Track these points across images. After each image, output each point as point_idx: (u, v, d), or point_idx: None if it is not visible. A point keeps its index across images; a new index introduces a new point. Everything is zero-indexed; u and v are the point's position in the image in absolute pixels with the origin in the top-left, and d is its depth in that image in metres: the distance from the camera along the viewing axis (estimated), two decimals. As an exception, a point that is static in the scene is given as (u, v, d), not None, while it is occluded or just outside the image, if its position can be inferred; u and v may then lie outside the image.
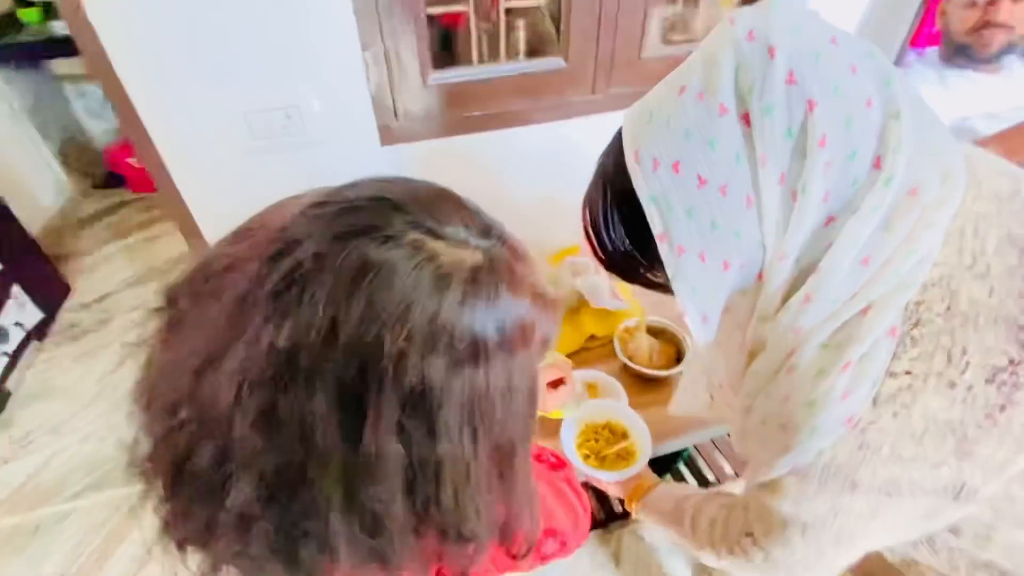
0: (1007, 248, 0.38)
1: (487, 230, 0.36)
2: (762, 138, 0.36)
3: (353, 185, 0.35)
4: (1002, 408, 0.37)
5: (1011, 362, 0.36)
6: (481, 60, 1.08)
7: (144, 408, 0.37)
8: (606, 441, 0.87)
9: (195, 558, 0.38)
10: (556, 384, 0.81)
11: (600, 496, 1.44)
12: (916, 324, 0.38)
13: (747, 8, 0.38)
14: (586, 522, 0.66)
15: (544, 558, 0.61)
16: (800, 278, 0.40)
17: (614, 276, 0.53)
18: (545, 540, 0.60)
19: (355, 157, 1.06)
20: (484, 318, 0.33)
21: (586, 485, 0.80)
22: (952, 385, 0.37)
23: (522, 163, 1.20)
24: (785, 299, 0.41)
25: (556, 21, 1.09)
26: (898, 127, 0.36)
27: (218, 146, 0.97)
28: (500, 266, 0.35)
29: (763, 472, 0.47)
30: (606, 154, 0.47)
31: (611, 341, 1.09)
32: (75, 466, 1.60)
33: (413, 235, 0.32)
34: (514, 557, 0.46)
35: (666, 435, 0.93)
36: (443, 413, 0.32)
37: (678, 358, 1.07)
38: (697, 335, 0.46)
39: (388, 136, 1.06)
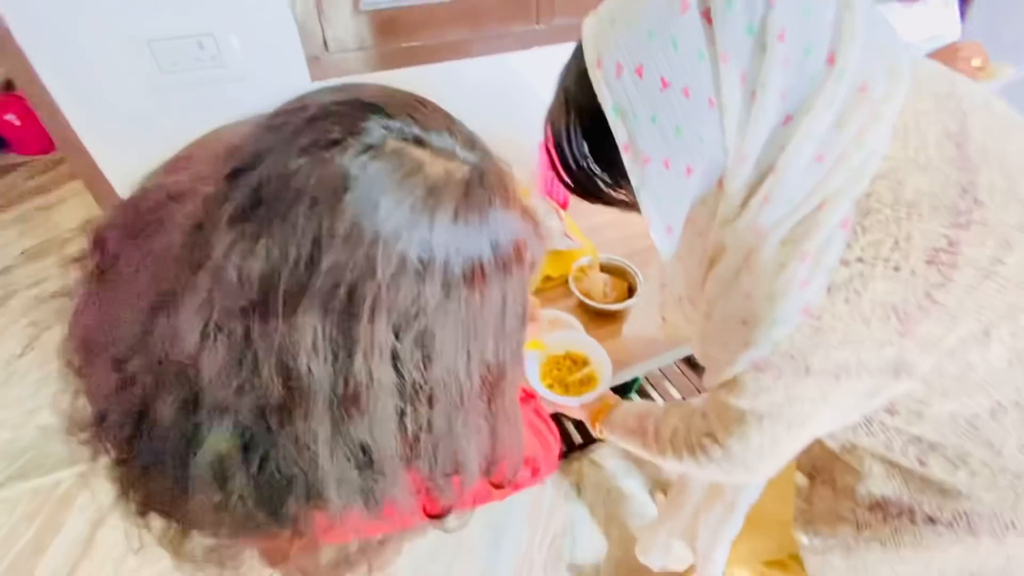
0: (945, 142, 0.41)
1: (472, 141, 0.34)
2: (723, 34, 0.36)
3: (318, 91, 0.31)
4: (940, 286, 0.39)
5: (949, 243, 0.39)
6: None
7: (80, 368, 0.33)
8: (568, 369, 0.89)
9: (156, 527, 0.35)
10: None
11: (560, 429, 1.50)
12: (866, 214, 0.40)
13: None
14: (556, 450, 0.68)
15: (517, 486, 0.62)
16: (759, 180, 0.41)
17: (579, 195, 0.52)
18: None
19: (283, 94, 0.96)
20: (479, 237, 0.31)
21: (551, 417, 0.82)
22: (897, 269, 0.40)
23: (465, 98, 1.12)
24: (745, 203, 0.42)
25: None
26: (851, 17, 0.36)
27: (121, 81, 0.85)
28: (491, 181, 0.33)
29: (725, 372, 0.49)
30: (567, 67, 0.46)
31: (566, 281, 1.10)
32: (-9, 458, 1.46)
33: (394, 143, 0.29)
34: (497, 487, 0.46)
35: (618, 365, 0.96)
36: (439, 337, 0.30)
37: (630, 292, 1.09)
38: (661, 247, 0.47)
39: (318, 70, 0.97)
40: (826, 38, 0.37)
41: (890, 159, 0.40)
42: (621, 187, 0.47)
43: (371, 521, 0.35)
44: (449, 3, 1.01)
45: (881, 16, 0.40)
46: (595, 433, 0.81)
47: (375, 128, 0.29)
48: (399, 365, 0.29)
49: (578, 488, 1.43)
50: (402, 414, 0.31)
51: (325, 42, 0.95)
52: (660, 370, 1.51)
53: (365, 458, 0.31)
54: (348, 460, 0.31)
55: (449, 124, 0.33)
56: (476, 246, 0.31)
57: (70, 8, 0.77)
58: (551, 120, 0.48)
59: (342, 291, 0.27)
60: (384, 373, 0.29)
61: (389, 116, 0.30)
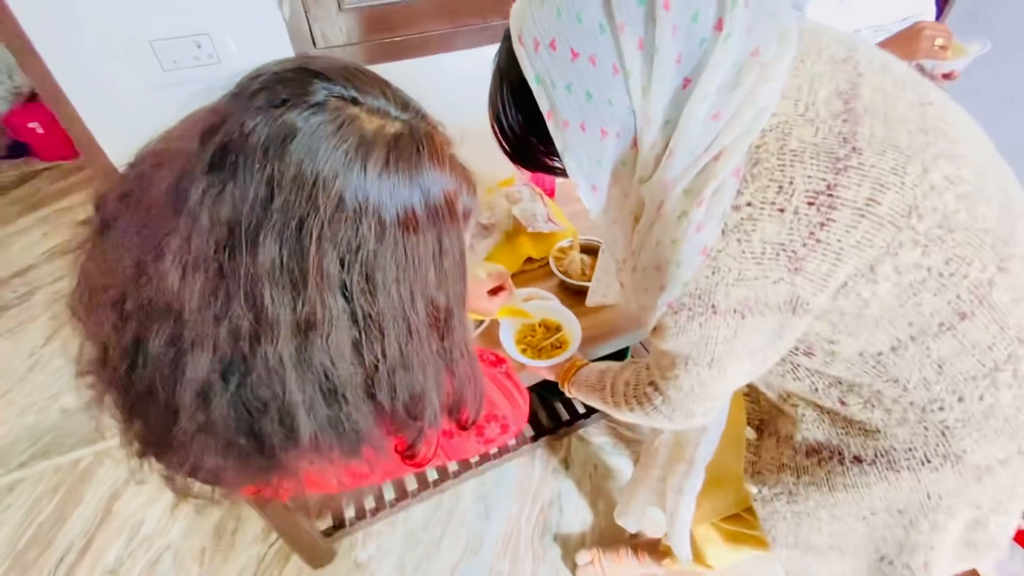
0: (834, 99, 0.45)
1: (406, 103, 0.38)
2: (619, 6, 0.41)
3: (272, 62, 0.36)
4: (822, 225, 0.43)
5: (828, 186, 0.42)
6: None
7: (84, 314, 0.37)
8: (541, 336, 0.96)
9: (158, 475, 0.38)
10: (496, 291, 0.87)
11: (548, 407, 1.55)
12: (755, 164, 0.44)
13: None
14: (525, 407, 0.73)
15: (488, 441, 0.67)
16: (665, 139, 0.45)
17: (520, 165, 0.57)
18: (488, 424, 0.65)
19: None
20: (409, 184, 0.35)
21: (533, 389, 0.87)
22: (782, 211, 0.43)
23: (450, 91, 1.19)
24: (658, 161, 0.47)
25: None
26: None
27: (128, 81, 0.93)
28: (420, 135, 0.37)
29: (650, 317, 0.53)
30: (499, 47, 0.51)
31: (548, 262, 1.15)
32: (17, 438, 1.56)
33: (334, 102, 0.34)
34: (463, 428, 0.50)
35: (599, 338, 1.01)
36: (378, 271, 0.34)
37: None
38: (589, 205, 0.52)
39: (309, 66, 1.04)
40: (712, 5, 0.41)
41: (780, 115, 0.44)
42: (554, 154, 0.52)
43: (347, 461, 0.38)
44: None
45: None
46: (565, 392, 0.87)
47: (318, 90, 0.34)
48: (347, 294, 0.33)
49: (566, 463, 1.48)
50: (357, 343, 0.35)
51: (313, 38, 1.02)
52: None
53: (329, 383, 0.35)
54: (314, 386, 0.34)
55: (384, 88, 0.38)
56: (407, 192, 0.35)
57: (79, 15, 0.85)
58: (489, 97, 0.53)
59: (292, 226, 0.31)
60: (335, 301, 0.33)
61: (330, 80, 0.34)
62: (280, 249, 0.31)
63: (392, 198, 0.34)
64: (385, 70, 1.14)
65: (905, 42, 1.04)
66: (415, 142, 0.36)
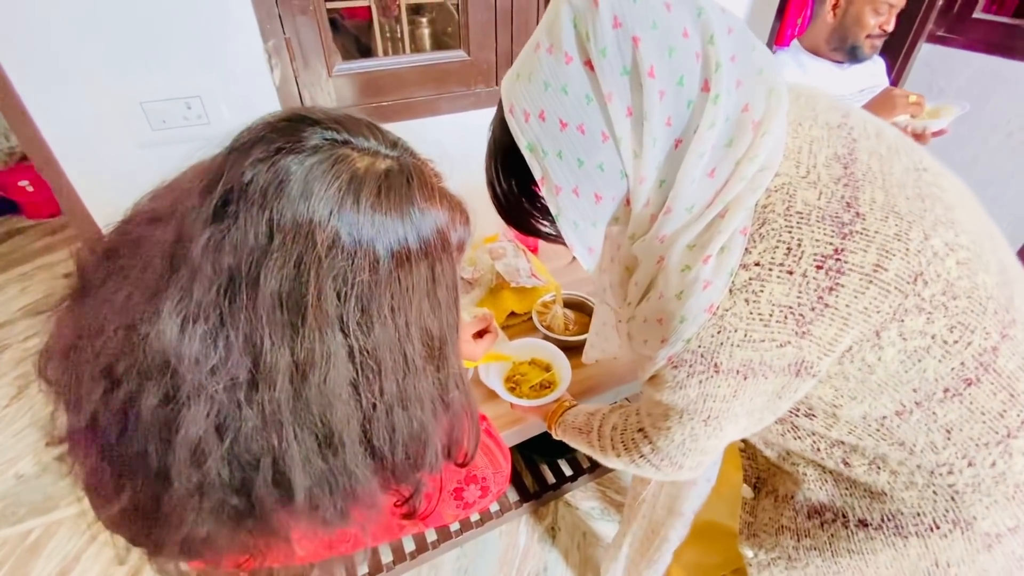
0: (834, 163, 0.46)
1: (394, 143, 0.40)
2: (604, 78, 0.42)
3: (267, 115, 0.38)
4: (830, 290, 0.43)
5: (836, 250, 0.43)
6: (387, 53, 1.12)
7: (59, 378, 0.35)
8: (531, 375, 0.96)
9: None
10: (481, 334, 0.86)
11: (534, 469, 1.49)
12: (763, 224, 0.44)
13: None
14: (506, 467, 0.69)
15: (468, 505, 0.63)
16: (661, 197, 0.46)
17: (515, 228, 0.58)
18: (467, 486, 0.62)
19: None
20: (401, 218, 0.35)
21: (518, 449, 0.84)
22: (791, 273, 0.43)
23: (434, 152, 1.24)
24: (654, 220, 0.47)
25: (460, 12, 1.15)
26: (715, 50, 0.42)
27: (116, 141, 0.95)
28: (410, 170, 0.38)
29: (648, 368, 0.52)
30: (493, 118, 0.53)
31: (530, 317, 1.15)
32: (-35, 506, 1.45)
33: (327, 145, 0.35)
34: (461, 465, 0.49)
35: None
36: (374, 303, 0.34)
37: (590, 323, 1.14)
38: (585, 264, 0.52)
39: (297, 127, 1.07)
40: (696, 69, 0.42)
41: (783, 176, 0.45)
42: (546, 218, 0.53)
43: (340, 524, 0.37)
44: (415, 67, 1.13)
45: (758, 43, 0.47)
46: (552, 433, 0.84)
47: (311, 135, 0.35)
48: (345, 329, 0.33)
49: (553, 532, 1.40)
50: (355, 382, 0.34)
51: (302, 101, 1.06)
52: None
53: (326, 429, 0.34)
54: (310, 434, 0.33)
55: (373, 129, 0.39)
56: (399, 225, 0.35)
57: (73, 76, 0.88)
58: (485, 164, 0.54)
59: (291, 264, 0.32)
60: (332, 337, 0.33)
61: (321, 126, 0.36)
62: (279, 288, 0.32)
63: (385, 231, 0.34)
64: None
65: (880, 105, 1.12)
66: (405, 176, 0.37)
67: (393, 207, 0.35)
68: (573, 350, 1.09)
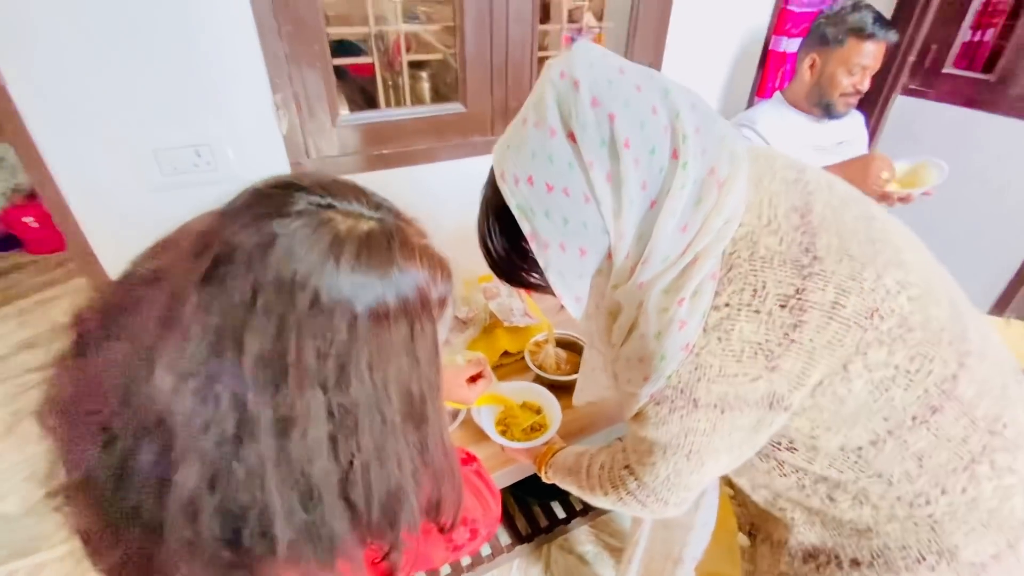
0: (792, 214, 0.50)
1: (379, 205, 0.41)
2: (585, 149, 0.47)
3: (257, 181, 0.40)
4: (795, 327, 0.46)
5: (797, 290, 0.47)
6: (389, 105, 1.19)
7: (60, 433, 0.36)
8: (522, 418, 0.96)
9: None
10: (475, 378, 0.88)
11: (526, 511, 1.47)
12: (730, 268, 0.49)
13: (557, 55, 0.51)
14: (497, 509, 0.70)
15: (457, 548, 0.63)
16: (639, 251, 0.50)
17: (505, 280, 0.62)
18: (456, 528, 0.63)
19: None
20: (381, 276, 0.37)
21: (511, 490, 0.85)
22: (758, 312, 0.47)
23: (433, 197, 1.30)
24: (633, 270, 0.51)
25: (458, 69, 1.23)
26: (681, 124, 0.47)
27: (126, 185, 0.99)
28: (391, 230, 0.39)
29: (632, 405, 0.55)
30: (486, 181, 0.58)
31: (523, 356, 1.17)
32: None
33: (312, 209, 0.37)
34: (442, 531, 0.49)
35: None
36: (351, 361, 0.35)
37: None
38: (572, 312, 0.55)
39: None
40: (666, 139, 0.47)
41: (747, 225, 0.50)
42: (535, 271, 0.56)
43: (325, 574, 0.37)
44: (416, 119, 1.19)
45: (716, 114, 0.52)
46: (542, 476, 0.85)
47: (297, 200, 0.37)
48: (324, 386, 0.35)
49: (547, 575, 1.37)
50: (333, 438, 0.35)
51: (307, 150, 1.12)
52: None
53: (306, 483, 0.35)
54: (292, 487, 0.34)
55: (358, 193, 0.41)
56: (378, 285, 0.37)
57: (88, 123, 0.93)
58: (478, 222, 0.59)
59: (273, 323, 0.33)
60: (312, 394, 0.34)
61: (308, 191, 0.38)
62: (262, 346, 0.33)
63: (363, 290, 0.36)
64: (373, 178, 1.24)
65: (856, 172, 1.18)
66: (386, 237, 0.39)
67: (372, 267, 0.37)
68: (565, 389, 1.11)
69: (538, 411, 0.98)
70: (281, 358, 0.33)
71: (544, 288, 0.57)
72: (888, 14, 1.82)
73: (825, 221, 0.50)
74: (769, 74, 1.61)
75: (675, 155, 0.47)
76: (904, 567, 0.54)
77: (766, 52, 1.60)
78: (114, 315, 0.37)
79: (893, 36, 1.20)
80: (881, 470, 0.52)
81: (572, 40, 1.40)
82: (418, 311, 0.39)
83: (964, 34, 1.80)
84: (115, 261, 1.03)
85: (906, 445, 0.50)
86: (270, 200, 0.37)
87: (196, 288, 0.33)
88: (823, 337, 0.47)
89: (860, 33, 1.18)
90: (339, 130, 1.12)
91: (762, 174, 0.54)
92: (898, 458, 0.51)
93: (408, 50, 1.13)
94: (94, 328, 0.37)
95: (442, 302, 0.43)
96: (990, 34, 1.93)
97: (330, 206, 0.38)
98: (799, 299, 0.47)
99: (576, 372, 1.11)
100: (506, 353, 1.21)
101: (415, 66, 1.23)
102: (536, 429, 0.94)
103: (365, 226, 0.38)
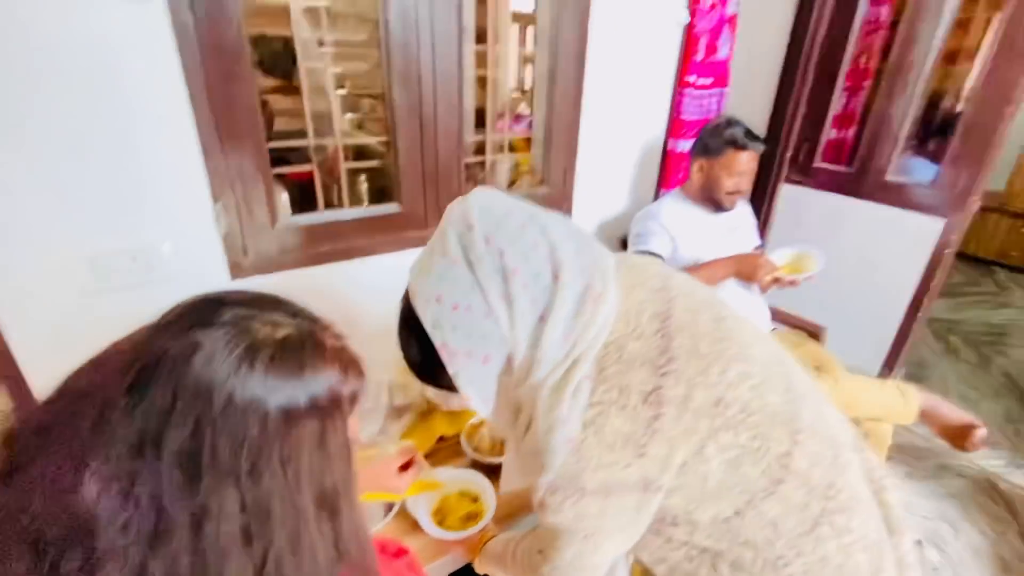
0: (654, 320, 0.60)
1: (297, 312, 0.46)
2: (482, 276, 0.56)
3: (189, 298, 0.44)
4: (655, 419, 0.54)
5: (655, 387, 0.55)
6: (329, 207, 1.27)
7: None
8: (459, 507, 0.99)
9: None
10: (406, 466, 0.91)
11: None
12: (602, 370, 0.57)
13: (458, 199, 0.61)
14: None
15: None
16: (532, 355, 0.58)
17: (424, 382, 0.68)
18: None
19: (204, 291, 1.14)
20: (292, 380, 0.40)
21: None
22: (624, 407, 0.55)
23: (370, 289, 1.36)
24: (528, 372, 0.59)
25: (393, 173, 1.34)
26: (559, 253, 0.57)
27: (58, 292, 1.00)
28: (306, 335, 0.43)
29: (536, 495, 0.61)
30: (402, 297, 0.65)
31: (459, 440, 1.20)
32: None
33: (234, 319, 0.41)
34: None
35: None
36: (263, 459, 0.38)
37: None
38: (480, 412, 0.62)
39: (239, 270, 1.17)
40: (547, 265, 0.56)
41: (616, 333, 0.59)
42: (447, 375, 0.63)
43: None
44: (355, 219, 1.28)
45: (591, 239, 0.63)
46: (476, 566, 0.87)
47: (222, 312, 0.41)
48: (237, 481, 0.37)
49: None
50: (247, 531, 0.38)
51: (245, 249, 1.17)
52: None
53: None
54: None
55: (279, 303, 0.45)
56: (289, 387, 0.40)
57: (22, 233, 0.94)
58: (398, 335, 0.65)
59: (189, 424, 0.36)
60: (226, 490, 0.37)
61: (232, 304, 0.42)
62: (179, 446, 0.36)
63: (276, 392, 0.39)
64: (311, 273, 1.29)
65: (745, 271, 1.41)
66: (300, 342, 0.42)
67: (285, 370, 0.39)
68: (496, 471, 1.15)
69: (475, 499, 1.01)
70: (196, 457, 0.35)
71: (456, 389, 0.63)
72: (766, 117, 2.16)
73: (681, 325, 0.60)
74: (670, 170, 1.85)
75: (556, 278, 0.57)
76: None
77: (665, 152, 1.85)
78: (44, 433, 0.38)
79: (761, 146, 1.44)
80: (747, 538, 0.59)
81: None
82: (329, 409, 0.42)
83: (829, 133, 2.16)
84: (44, 369, 1.01)
85: (763, 514, 0.58)
86: (198, 313, 0.41)
87: (123, 397, 0.36)
88: (680, 426, 0.55)
89: (735, 145, 1.42)
90: (278, 232, 1.19)
91: (634, 283, 0.64)
92: (759, 525, 0.59)
93: (347, 158, 1.24)
94: (24, 447, 0.39)
95: (353, 399, 0.46)
96: (851, 132, 2.31)
97: (252, 316, 0.42)
98: (657, 395, 0.55)
99: None
100: (442, 438, 1.23)
101: (353, 171, 1.33)
102: (472, 517, 0.97)
103: (281, 332, 0.41)
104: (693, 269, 1.43)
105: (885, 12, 2.03)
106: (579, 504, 0.58)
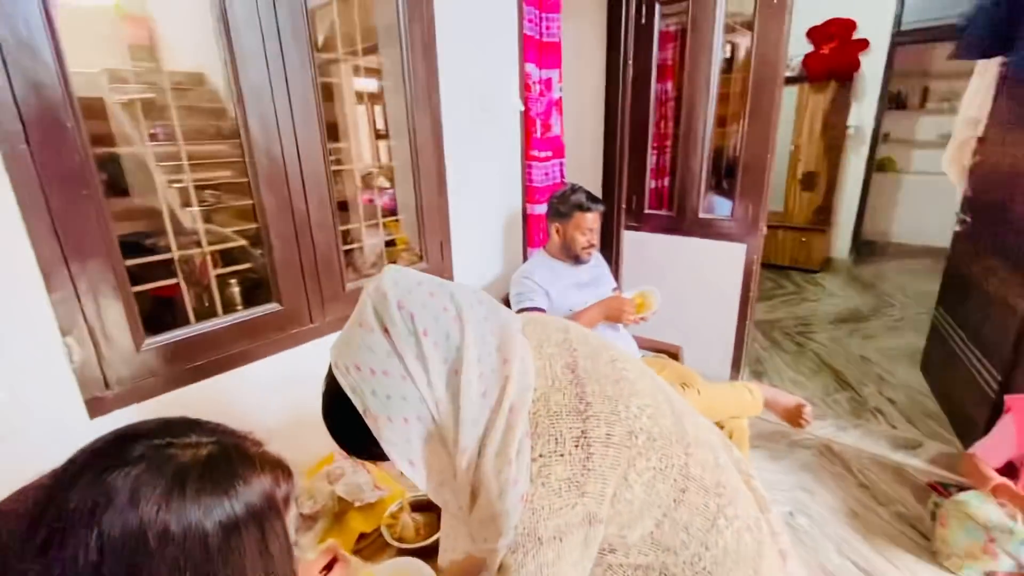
0: (566, 371, 0.69)
1: (213, 429, 0.46)
2: (396, 339, 0.61)
3: (94, 439, 0.42)
4: (588, 458, 0.61)
5: (582, 432, 0.62)
6: (200, 319, 1.20)
7: None
8: None
9: None
10: (329, 567, 0.84)
11: None
12: (536, 426, 0.63)
13: (374, 276, 0.66)
14: None
15: None
16: (454, 414, 0.62)
17: (352, 455, 0.69)
18: None
19: (59, 439, 0.99)
20: (225, 495, 0.40)
21: None
22: (562, 455, 0.61)
23: (260, 393, 1.29)
24: (456, 430, 0.62)
25: (270, 273, 1.32)
26: (466, 314, 0.63)
27: None
28: (229, 448, 0.44)
29: (494, 560, 0.64)
30: (326, 374, 0.67)
31: (381, 532, 1.15)
32: None
33: (151, 452, 0.40)
34: None
35: None
36: (210, 574, 0.38)
37: (440, 521, 1.19)
38: (413, 478, 0.64)
39: (99, 407, 1.04)
40: (456, 328, 0.62)
41: (540, 389, 0.65)
42: (375, 444, 0.64)
43: None
44: (230, 326, 1.22)
45: (498, 306, 0.70)
46: None
47: (135, 448, 0.40)
48: None
49: None
50: None
51: (106, 381, 1.05)
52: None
53: None
54: None
55: (193, 426, 0.45)
56: (225, 502, 0.40)
57: None
58: (322, 408, 0.67)
59: (123, 569, 0.35)
60: None
61: (144, 436, 0.41)
62: None
63: (212, 510, 0.39)
64: (189, 391, 1.20)
65: (613, 312, 1.63)
66: (225, 456, 0.43)
67: (218, 487, 0.40)
68: (430, 553, 1.13)
69: None
70: None
71: (386, 458, 0.65)
72: (599, 176, 2.53)
73: (588, 372, 0.69)
74: (531, 231, 2.07)
75: (463, 337, 0.63)
76: None
77: (525, 216, 2.07)
78: None
79: (602, 207, 1.72)
80: (668, 545, 0.69)
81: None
82: (266, 513, 0.43)
83: (650, 184, 2.58)
84: None
85: (676, 521, 0.69)
86: (106, 455, 0.40)
87: (35, 557, 0.34)
88: (607, 461, 0.62)
89: (581, 208, 1.67)
90: (144, 354, 1.09)
91: (541, 340, 0.73)
92: (675, 533, 0.69)
93: (216, 266, 1.20)
94: None
95: (287, 499, 0.47)
96: (666, 181, 2.78)
97: (169, 444, 0.41)
98: (585, 438, 0.62)
99: (436, 532, 1.15)
100: (362, 536, 1.18)
101: (224, 276, 1.28)
102: None
103: (204, 451, 0.42)
104: (571, 318, 1.61)
105: (671, 87, 2.55)
106: (539, 555, 0.62)
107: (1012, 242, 1.92)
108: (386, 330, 0.62)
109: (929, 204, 4.84)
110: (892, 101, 4.78)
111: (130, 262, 1.06)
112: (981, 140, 2.23)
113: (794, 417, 1.71)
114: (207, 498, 0.39)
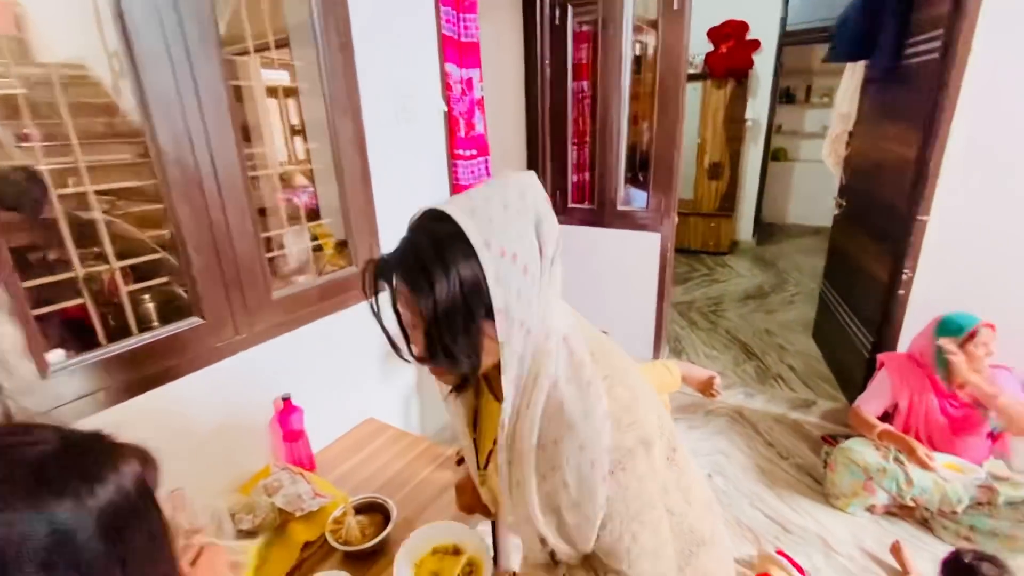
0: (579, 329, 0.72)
1: (57, 427, 0.44)
2: (545, 240, 0.60)
3: None
4: (634, 399, 0.68)
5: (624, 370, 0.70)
6: (113, 339, 1.13)
7: None
8: (445, 566, 0.98)
9: None
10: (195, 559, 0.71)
11: None
12: (592, 353, 0.69)
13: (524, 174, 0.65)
14: None
15: None
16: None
17: (424, 355, 0.65)
18: None
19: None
20: (101, 480, 0.40)
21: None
22: (614, 384, 0.67)
23: (189, 410, 1.24)
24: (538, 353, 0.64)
25: (186, 287, 1.26)
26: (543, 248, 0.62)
27: None
28: (88, 436, 0.43)
29: (588, 530, 0.66)
30: (428, 243, 0.60)
31: (325, 540, 1.13)
32: None
33: None
34: None
35: None
36: (103, 570, 0.38)
37: (386, 521, 1.19)
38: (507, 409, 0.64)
39: None
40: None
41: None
42: (462, 348, 0.62)
43: None
44: (148, 344, 1.16)
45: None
46: None
47: None
48: None
49: None
50: None
51: (9, 415, 0.97)
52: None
53: None
54: None
55: (28, 428, 0.43)
56: (100, 490, 0.40)
57: None
58: (411, 279, 0.60)
59: None
60: None
61: None
62: None
63: (89, 501, 0.39)
64: (111, 414, 1.12)
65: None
66: (85, 446, 0.43)
67: (86, 473, 0.40)
68: (377, 554, 1.15)
69: (455, 550, 1.01)
70: None
71: (452, 371, 0.66)
72: (524, 174, 2.60)
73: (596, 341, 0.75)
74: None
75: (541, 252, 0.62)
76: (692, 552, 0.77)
77: (454, 215, 2.10)
78: None
79: None
80: (670, 507, 0.74)
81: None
82: (142, 496, 0.44)
83: (572, 178, 2.70)
84: None
85: (672, 492, 0.75)
86: None
87: None
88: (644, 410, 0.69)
89: None
90: (52, 382, 1.02)
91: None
92: (676, 501, 0.75)
93: (127, 281, 1.14)
94: None
95: (155, 480, 0.48)
96: (587, 176, 2.92)
97: (11, 445, 0.40)
98: (624, 381, 0.69)
99: (380, 532, 1.14)
100: (307, 544, 1.17)
101: (137, 292, 1.22)
102: (467, 574, 0.97)
103: (44, 448, 0.40)
104: None
105: (587, 85, 2.67)
106: (634, 469, 0.64)
107: (877, 223, 2.23)
108: (537, 221, 0.60)
109: (816, 189, 5.40)
110: (782, 96, 5.28)
111: (29, 283, 0.98)
112: (851, 133, 2.55)
113: (706, 388, 1.89)
114: (75, 485, 0.39)
